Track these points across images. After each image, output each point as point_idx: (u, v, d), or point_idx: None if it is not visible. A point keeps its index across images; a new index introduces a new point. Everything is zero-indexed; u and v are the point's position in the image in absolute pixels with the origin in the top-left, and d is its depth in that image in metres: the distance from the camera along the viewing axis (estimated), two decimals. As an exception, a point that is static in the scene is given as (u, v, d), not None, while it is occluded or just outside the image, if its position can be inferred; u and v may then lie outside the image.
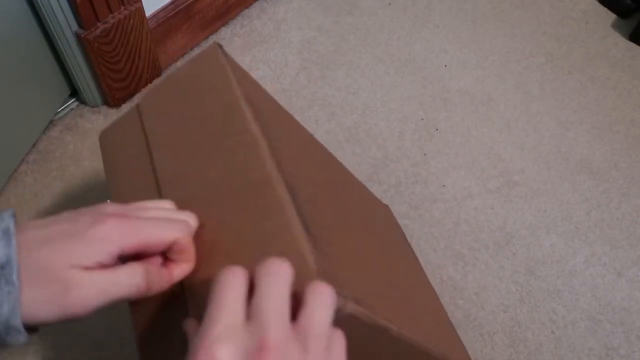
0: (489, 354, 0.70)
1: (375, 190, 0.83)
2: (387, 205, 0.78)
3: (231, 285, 0.26)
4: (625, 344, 0.72)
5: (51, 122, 0.83)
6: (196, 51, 0.95)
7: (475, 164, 0.88)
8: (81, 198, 0.78)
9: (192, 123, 0.37)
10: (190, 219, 0.33)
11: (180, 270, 0.32)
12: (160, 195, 0.36)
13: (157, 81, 0.90)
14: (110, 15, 0.76)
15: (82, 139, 0.83)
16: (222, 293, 0.26)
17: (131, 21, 0.78)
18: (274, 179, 0.31)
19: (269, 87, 0.93)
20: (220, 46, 0.40)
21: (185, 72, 0.41)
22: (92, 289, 0.28)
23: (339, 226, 0.40)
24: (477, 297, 0.74)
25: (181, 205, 0.35)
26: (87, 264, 0.28)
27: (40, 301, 0.27)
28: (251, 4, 1.04)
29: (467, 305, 0.74)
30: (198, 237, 0.32)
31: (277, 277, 0.26)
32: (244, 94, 0.36)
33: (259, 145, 0.33)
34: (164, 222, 0.31)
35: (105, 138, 0.44)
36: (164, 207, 0.34)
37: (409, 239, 0.77)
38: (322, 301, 0.26)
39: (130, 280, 0.29)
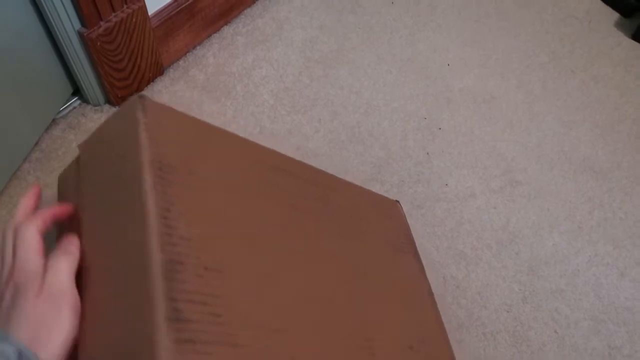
0: (492, 354, 0.70)
1: (378, 189, 0.83)
2: (396, 202, 0.75)
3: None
4: (628, 344, 0.72)
5: (54, 121, 0.83)
6: (198, 50, 0.95)
7: (478, 163, 0.88)
8: (84, 197, 0.78)
9: (105, 190, 0.39)
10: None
11: None
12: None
13: (158, 80, 0.90)
14: (113, 14, 0.76)
15: (84, 137, 0.83)
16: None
17: (134, 20, 0.78)
18: (154, 263, 0.31)
19: (272, 87, 0.93)
20: (142, 98, 0.38)
21: (110, 128, 0.41)
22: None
23: (264, 280, 0.39)
24: (480, 296, 0.74)
25: (86, 275, 0.38)
26: None
27: None
28: (253, 3, 1.03)
29: (470, 305, 0.74)
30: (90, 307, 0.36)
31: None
32: (151, 159, 0.35)
33: (149, 223, 0.33)
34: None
35: (60, 184, 0.48)
36: None
37: (411, 238, 0.77)
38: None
39: None
